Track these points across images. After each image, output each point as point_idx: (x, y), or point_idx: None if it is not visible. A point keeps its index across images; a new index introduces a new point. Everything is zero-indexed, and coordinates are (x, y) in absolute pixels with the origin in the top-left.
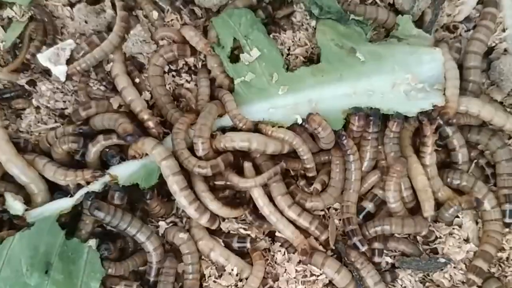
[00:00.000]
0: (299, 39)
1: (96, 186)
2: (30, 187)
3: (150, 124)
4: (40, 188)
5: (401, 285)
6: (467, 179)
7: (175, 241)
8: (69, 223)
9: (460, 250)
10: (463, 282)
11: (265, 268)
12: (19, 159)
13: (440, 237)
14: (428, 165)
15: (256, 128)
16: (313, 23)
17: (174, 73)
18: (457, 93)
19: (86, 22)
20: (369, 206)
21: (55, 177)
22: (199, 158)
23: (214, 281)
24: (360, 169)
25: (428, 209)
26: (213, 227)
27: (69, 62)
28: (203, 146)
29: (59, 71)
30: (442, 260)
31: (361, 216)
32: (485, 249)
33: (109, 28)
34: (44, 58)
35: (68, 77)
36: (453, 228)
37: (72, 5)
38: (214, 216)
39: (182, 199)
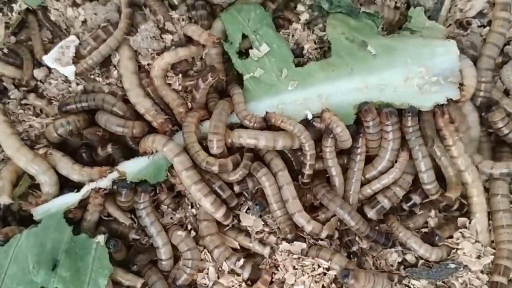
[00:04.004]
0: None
1: (105, 182)
2: (38, 178)
3: (155, 124)
4: (46, 179)
5: (413, 286)
6: None
7: (172, 240)
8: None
9: (476, 261)
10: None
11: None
12: (24, 151)
13: (456, 247)
14: (457, 156)
15: (266, 119)
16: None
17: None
18: (474, 83)
19: (95, 14)
20: (384, 201)
21: (72, 168)
22: (213, 155)
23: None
24: (362, 170)
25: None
26: (226, 222)
27: (75, 57)
28: (218, 144)
29: (68, 71)
30: (452, 265)
31: (374, 210)
32: (502, 247)
33: (119, 13)
34: (50, 60)
35: (78, 75)
36: (464, 236)
37: (77, 5)
38: (229, 211)
39: (197, 193)
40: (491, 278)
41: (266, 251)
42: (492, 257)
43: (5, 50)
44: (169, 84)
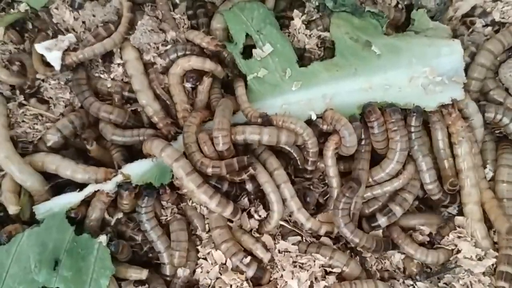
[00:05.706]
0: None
1: (109, 186)
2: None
3: (159, 126)
4: (27, 178)
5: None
6: None
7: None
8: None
9: (478, 263)
10: None
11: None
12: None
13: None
14: (459, 156)
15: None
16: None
17: None
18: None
19: (94, 15)
20: (396, 208)
21: (77, 167)
22: (220, 151)
23: (218, 278)
24: (368, 160)
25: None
26: (236, 219)
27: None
28: (223, 140)
29: (53, 57)
30: (452, 265)
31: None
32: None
33: (118, 15)
34: (41, 47)
35: (65, 67)
36: (459, 237)
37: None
38: (236, 208)
39: (201, 195)
40: (497, 268)
41: (267, 256)
42: (494, 259)
43: (6, 56)
44: (183, 86)
